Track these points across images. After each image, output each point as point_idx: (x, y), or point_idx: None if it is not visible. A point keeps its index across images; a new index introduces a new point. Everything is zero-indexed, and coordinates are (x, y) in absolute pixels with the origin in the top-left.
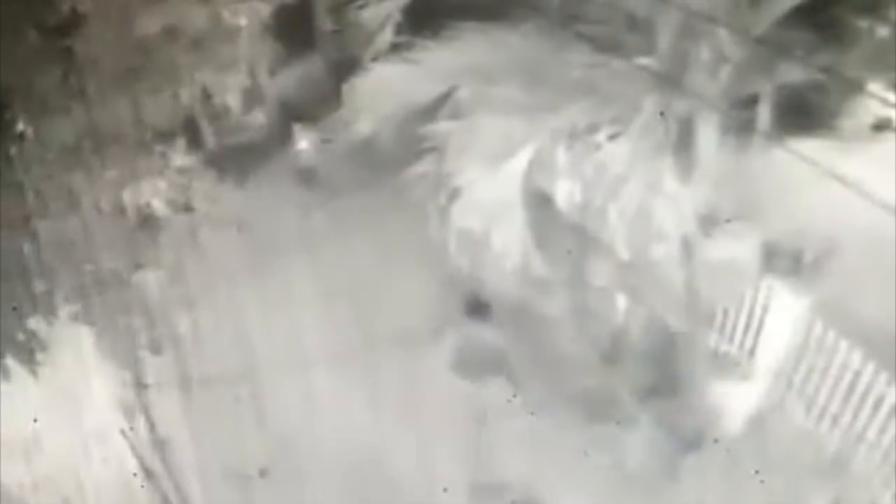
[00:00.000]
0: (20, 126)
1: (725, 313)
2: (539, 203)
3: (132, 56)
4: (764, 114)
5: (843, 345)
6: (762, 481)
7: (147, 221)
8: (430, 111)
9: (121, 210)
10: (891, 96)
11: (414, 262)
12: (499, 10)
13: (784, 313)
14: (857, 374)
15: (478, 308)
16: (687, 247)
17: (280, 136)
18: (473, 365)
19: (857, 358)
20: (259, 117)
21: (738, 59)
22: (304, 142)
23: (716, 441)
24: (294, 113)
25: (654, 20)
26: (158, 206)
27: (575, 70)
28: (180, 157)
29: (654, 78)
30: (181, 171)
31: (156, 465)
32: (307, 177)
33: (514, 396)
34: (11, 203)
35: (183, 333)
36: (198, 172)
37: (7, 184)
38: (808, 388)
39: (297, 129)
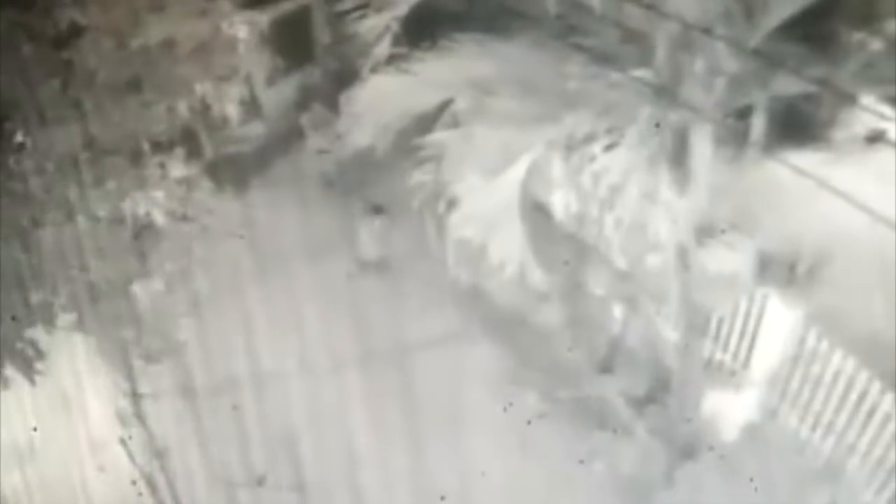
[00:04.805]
0: (19, 137)
1: (720, 323)
2: (536, 213)
3: (131, 67)
4: (758, 125)
5: (837, 354)
6: (757, 489)
7: (146, 231)
8: (428, 121)
9: (119, 220)
10: (884, 108)
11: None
12: (496, 21)
13: (778, 323)
14: (851, 383)
15: None
16: (682, 257)
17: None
18: None
19: (850, 366)
20: (258, 127)
21: (733, 71)
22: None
23: (711, 449)
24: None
25: (650, 33)
26: (157, 216)
27: (571, 81)
28: (179, 167)
29: (650, 89)
30: (180, 181)
31: (154, 474)
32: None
33: (511, 405)
34: (10, 213)
35: (181, 343)
36: (196, 182)
37: (6, 194)
38: (803, 396)
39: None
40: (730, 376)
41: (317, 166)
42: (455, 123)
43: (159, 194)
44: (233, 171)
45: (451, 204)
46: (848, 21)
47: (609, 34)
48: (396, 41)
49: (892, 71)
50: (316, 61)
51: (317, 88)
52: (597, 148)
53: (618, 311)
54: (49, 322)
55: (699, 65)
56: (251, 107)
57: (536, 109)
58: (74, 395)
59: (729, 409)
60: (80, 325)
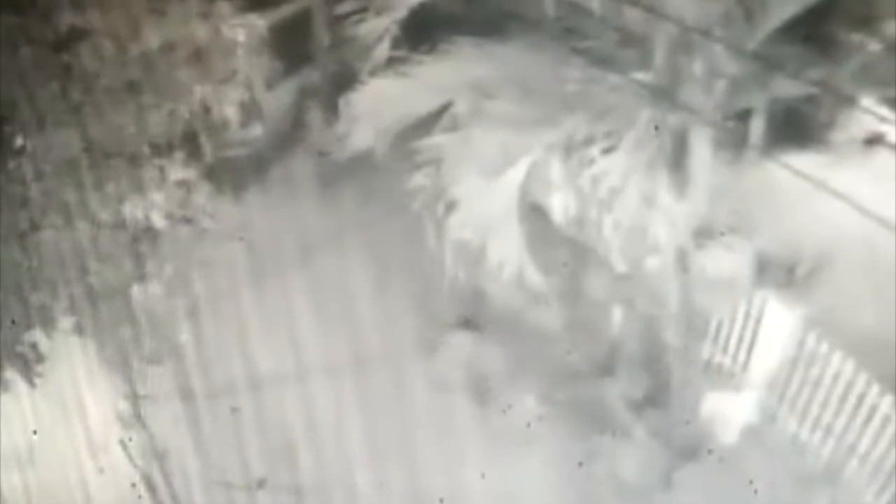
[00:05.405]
0: (19, 140)
1: (719, 325)
2: (535, 215)
3: (130, 71)
4: (757, 128)
5: (836, 356)
6: (756, 491)
7: (146, 234)
8: (427, 124)
9: (120, 223)
10: (883, 111)
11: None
12: (495, 24)
13: (777, 325)
14: (850, 385)
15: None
16: (681, 259)
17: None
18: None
19: (849, 369)
20: (257, 130)
21: (732, 73)
22: None
23: (710, 451)
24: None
25: (649, 35)
26: (156, 219)
27: (570, 84)
28: (179, 170)
29: (649, 92)
30: (179, 184)
31: (154, 476)
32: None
33: (510, 407)
34: (10, 216)
35: (182, 345)
36: (196, 185)
37: (5, 197)
38: (802, 398)
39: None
40: (729, 378)
41: (316, 169)
42: (454, 126)
43: (159, 197)
44: (232, 174)
45: (451, 206)
46: (846, 23)
47: (608, 37)
48: (395, 44)
49: (890, 73)
50: (315, 64)
51: (316, 91)
52: (596, 151)
53: (617, 313)
54: (49, 325)
55: (698, 67)
56: (251, 110)
57: (535, 112)
58: (74, 398)
59: (728, 412)
60: (79, 328)
